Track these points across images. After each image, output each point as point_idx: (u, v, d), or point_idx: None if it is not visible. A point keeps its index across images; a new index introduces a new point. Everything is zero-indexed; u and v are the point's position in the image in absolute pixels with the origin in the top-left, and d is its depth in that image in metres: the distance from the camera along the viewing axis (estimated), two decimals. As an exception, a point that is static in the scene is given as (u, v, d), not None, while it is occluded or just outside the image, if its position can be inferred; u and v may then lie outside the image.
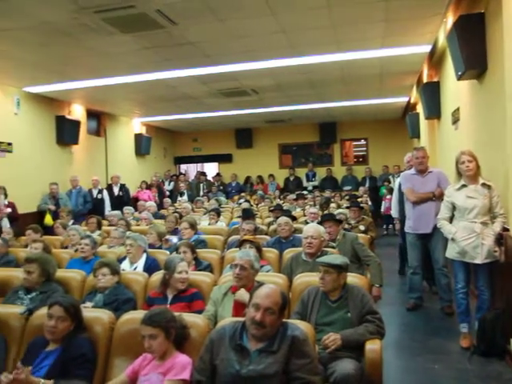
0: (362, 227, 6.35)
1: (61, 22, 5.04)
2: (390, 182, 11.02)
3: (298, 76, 7.88)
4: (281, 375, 2.15)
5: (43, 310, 2.82)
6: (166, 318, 2.43)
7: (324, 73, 7.72)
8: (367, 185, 12.53)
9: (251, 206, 8.97)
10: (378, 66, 7.43)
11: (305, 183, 13.72)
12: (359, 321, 2.84)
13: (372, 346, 2.71)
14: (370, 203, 10.10)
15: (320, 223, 4.70)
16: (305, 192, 11.42)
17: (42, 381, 2.32)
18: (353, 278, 3.22)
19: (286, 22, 5.28)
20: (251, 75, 7.67)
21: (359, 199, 9.16)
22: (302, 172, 14.05)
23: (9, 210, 7.19)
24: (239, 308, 3.07)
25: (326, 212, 6.59)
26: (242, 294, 3.10)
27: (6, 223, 7.01)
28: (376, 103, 10.77)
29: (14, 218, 7.26)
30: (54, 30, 5.22)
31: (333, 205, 7.81)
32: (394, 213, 6.46)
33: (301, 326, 2.39)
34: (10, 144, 7.86)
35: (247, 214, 6.07)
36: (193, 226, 5.40)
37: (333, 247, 4.49)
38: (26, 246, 5.62)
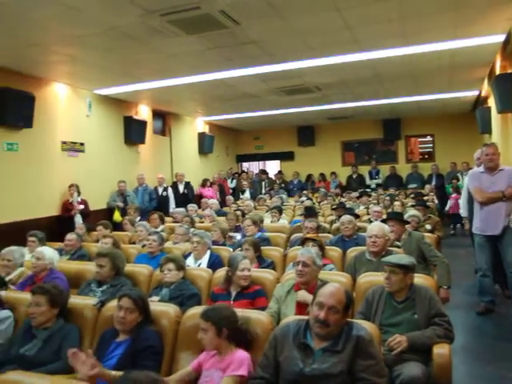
0: (428, 226, 6.13)
1: (128, 27, 5.22)
2: (458, 180, 10.58)
3: (363, 72, 7.73)
4: (345, 375, 2.12)
5: (114, 302, 2.95)
6: (220, 315, 2.46)
7: (390, 68, 7.52)
8: (433, 183, 12.08)
9: (313, 203, 8.91)
10: (447, 59, 7.13)
11: (368, 181, 13.45)
12: (426, 323, 2.74)
13: (440, 351, 2.61)
14: (436, 202, 9.74)
15: (384, 221, 4.60)
16: (368, 190, 11.21)
17: (113, 372, 2.40)
18: (419, 279, 3.12)
19: (350, 16, 5.18)
20: (314, 72, 7.60)
21: (425, 197, 8.86)
22: (364, 169, 13.78)
23: (81, 206, 7.57)
24: (302, 306, 3.07)
25: (389, 210, 6.44)
26: (304, 295, 3.09)
27: (79, 219, 7.39)
28: (444, 98, 10.33)
29: (86, 214, 7.64)
30: (122, 34, 5.42)
31: (397, 203, 7.60)
32: (463, 212, 6.20)
33: (366, 326, 2.35)
34: (82, 144, 8.27)
35: (310, 212, 6.05)
36: (256, 223, 5.44)
37: (398, 247, 4.37)
38: (96, 241, 5.90)
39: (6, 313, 3.14)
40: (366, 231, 4.18)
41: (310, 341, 2.27)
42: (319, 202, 10.05)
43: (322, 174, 14.04)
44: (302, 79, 8.19)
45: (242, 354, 2.43)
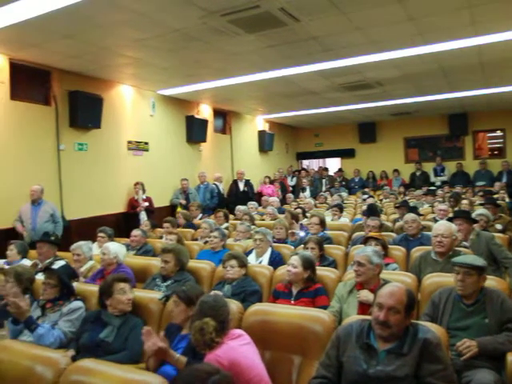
0: (498, 226, 5.83)
1: (190, 28, 5.32)
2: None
3: (427, 65, 7.46)
4: (411, 379, 2.06)
5: (177, 297, 3.02)
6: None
7: (457, 60, 7.19)
8: (504, 180, 11.46)
9: (375, 201, 8.73)
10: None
11: (432, 178, 12.97)
12: (498, 329, 2.61)
13: (515, 358, 2.47)
14: (507, 200, 9.25)
15: (450, 220, 4.43)
16: (432, 188, 10.83)
17: (177, 355, 2.49)
18: (491, 282, 2.98)
19: (413, 8, 5.00)
20: (376, 67, 7.43)
21: (495, 195, 8.45)
22: (429, 166, 13.28)
23: (146, 204, 7.83)
24: (364, 306, 3.02)
25: (456, 209, 6.20)
26: (366, 295, 3.04)
27: (143, 216, 7.64)
28: (516, 90, 9.79)
29: (150, 211, 7.89)
30: (183, 35, 5.54)
31: (464, 201, 7.29)
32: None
33: (433, 329, 2.26)
34: (146, 143, 8.55)
35: (372, 211, 5.92)
36: (323, 222, 5.40)
37: (465, 247, 4.20)
38: (160, 238, 6.08)
39: (79, 303, 3.30)
40: (430, 230, 4.05)
41: (373, 341, 2.22)
42: (381, 200, 9.83)
43: (384, 172, 13.71)
44: (363, 75, 8.03)
45: None
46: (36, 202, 6.04)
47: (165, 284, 3.86)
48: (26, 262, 4.61)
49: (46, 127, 6.64)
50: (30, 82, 6.56)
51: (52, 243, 4.80)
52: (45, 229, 5.71)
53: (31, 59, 6.32)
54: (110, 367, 2.17)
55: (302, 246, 4.48)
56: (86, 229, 6.31)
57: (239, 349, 2.34)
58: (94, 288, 3.43)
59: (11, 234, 5.76)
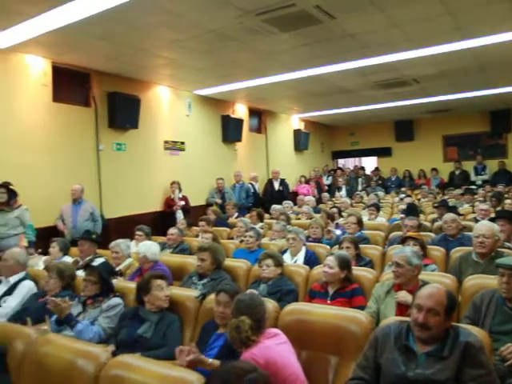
0: (543, 226, 5.62)
1: (225, 28, 5.36)
2: None
3: (466, 61, 7.26)
4: (451, 383, 2.01)
5: (214, 296, 3.05)
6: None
7: (499, 55, 6.95)
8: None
9: (413, 201, 8.57)
10: None
11: (473, 177, 12.62)
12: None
13: None
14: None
15: (492, 220, 4.30)
16: (473, 187, 10.54)
17: (210, 360, 2.49)
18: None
19: (452, 1, 4.88)
20: (413, 64, 7.29)
21: (540, 195, 8.16)
22: (469, 165, 12.92)
23: (182, 202, 7.93)
24: (403, 307, 2.97)
25: (498, 209, 6.02)
26: (404, 296, 2.98)
27: (180, 215, 7.75)
28: None
29: (186, 210, 7.98)
30: (219, 36, 5.58)
31: (508, 201, 7.07)
32: None
33: (474, 332, 2.19)
34: (183, 143, 8.66)
35: (411, 210, 5.82)
36: (360, 222, 5.36)
37: (509, 248, 4.07)
38: (196, 236, 6.15)
39: (118, 300, 3.37)
40: (471, 230, 3.95)
41: (412, 344, 2.17)
42: (419, 200, 9.65)
43: (421, 171, 13.42)
44: (400, 72, 7.90)
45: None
46: (76, 201, 6.21)
47: (201, 282, 3.90)
48: (68, 259, 4.74)
49: (85, 128, 6.82)
50: (70, 84, 6.75)
51: (92, 241, 4.92)
52: (85, 227, 5.86)
53: (72, 62, 6.51)
54: (148, 363, 2.21)
55: (337, 246, 4.45)
56: (124, 227, 6.43)
57: (275, 348, 2.34)
58: (132, 285, 3.49)
59: (53, 232, 5.94)
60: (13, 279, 3.92)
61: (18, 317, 3.46)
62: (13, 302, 3.73)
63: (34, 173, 6.04)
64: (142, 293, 3.17)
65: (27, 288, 3.88)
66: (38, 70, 6.17)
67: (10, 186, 5.45)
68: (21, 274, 3.99)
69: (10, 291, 3.82)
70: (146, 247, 4.26)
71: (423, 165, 13.43)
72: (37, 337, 2.62)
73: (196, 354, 2.40)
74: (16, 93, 5.93)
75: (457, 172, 12.83)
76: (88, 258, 4.70)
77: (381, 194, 10.56)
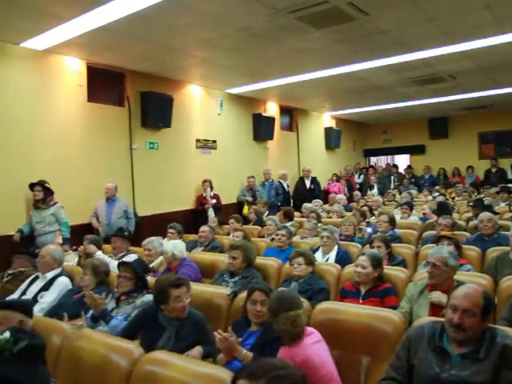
0: None
1: (257, 26, 5.36)
2: None
3: (503, 56, 7.05)
4: (488, 386, 1.96)
5: (245, 294, 3.05)
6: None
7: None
8: None
9: (447, 199, 8.40)
10: None
11: (510, 175, 12.26)
12: None
13: None
14: None
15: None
16: (510, 185, 10.23)
17: (245, 351, 2.51)
18: None
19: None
20: (448, 59, 7.12)
21: None
22: (505, 163, 12.56)
23: (214, 201, 7.99)
24: (436, 307, 2.92)
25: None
26: (438, 296, 2.93)
27: (211, 213, 7.80)
28: None
29: (218, 208, 8.03)
30: (251, 34, 5.59)
31: (546, 200, 6.85)
32: None
33: (512, 335, 2.14)
34: (214, 142, 8.72)
35: (443, 209, 5.71)
36: (392, 220, 5.29)
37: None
38: (228, 234, 6.18)
39: (151, 296, 3.38)
40: (508, 230, 3.85)
41: (446, 345, 2.13)
42: (453, 198, 9.44)
43: (456, 169, 13.13)
44: (434, 68, 7.73)
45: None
46: (110, 198, 6.34)
47: (232, 280, 3.92)
48: (101, 256, 4.83)
49: (119, 127, 6.95)
50: (105, 84, 6.89)
51: (125, 238, 5.02)
52: (118, 224, 5.98)
53: (106, 62, 6.63)
54: (181, 360, 2.24)
55: (369, 244, 4.40)
56: (157, 225, 6.52)
57: (312, 346, 2.33)
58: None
59: (88, 229, 6.08)
60: (49, 275, 4.02)
61: (54, 312, 3.55)
62: (49, 298, 3.82)
63: (69, 171, 6.20)
64: (158, 301, 2.92)
65: (63, 284, 3.98)
66: (73, 71, 6.32)
67: (46, 184, 5.62)
68: (57, 270, 4.09)
69: (46, 287, 3.92)
70: (173, 245, 4.30)
71: (458, 162, 13.13)
72: (73, 331, 2.69)
73: (234, 339, 2.45)
74: (53, 93, 6.09)
75: (493, 170, 12.49)
76: (120, 255, 4.81)
77: (414, 192, 10.38)
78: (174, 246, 4.30)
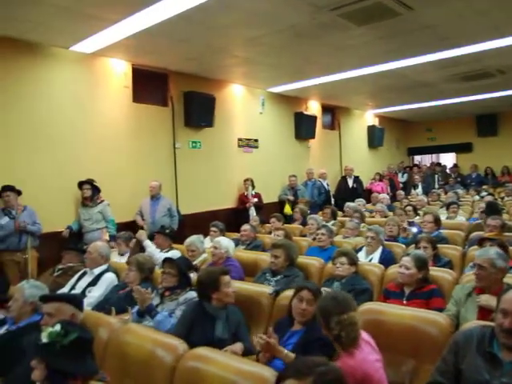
0: None
1: (300, 25, 5.33)
2: None
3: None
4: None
5: (287, 293, 3.05)
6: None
7: None
8: None
9: (495, 199, 8.12)
10: None
11: None
12: None
13: None
14: None
15: None
16: None
17: (286, 351, 2.48)
18: None
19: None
20: (497, 54, 6.87)
21: None
22: (559, 162, 12.05)
23: (255, 199, 8.01)
24: (485, 311, 2.81)
25: None
26: (487, 300, 2.82)
27: (253, 212, 7.83)
28: None
29: (259, 207, 8.05)
30: (294, 32, 5.57)
31: None
32: None
33: None
34: (256, 140, 8.75)
35: (492, 209, 5.52)
36: (437, 220, 5.17)
37: None
38: (269, 233, 6.18)
39: (194, 293, 3.43)
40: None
41: (497, 351, 2.04)
42: (502, 198, 9.12)
43: (506, 167, 12.64)
44: (482, 63, 7.48)
45: None
46: (155, 197, 6.46)
47: (274, 279, 3.92)
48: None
49: (163, 127, 7.08)
50: (149, 85, 7.03)
51: (167, 235, 5.16)
52: (162, 222, 6.11)
53: (150, 64, 6.77)
54: (225, 357, 2.26)
55: (414, 245, 4.31)
56: (199, 223, 6.60)
57: (371, 360, 2.23)
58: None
59: (133, 227, 6.21)
60: (97, 271, 4.15)
61: (101, 307, 3.65)
62: (97, 293, 3.95)
63: (115, 170, 6.37)
64: (209, 290, 3.03)
65: (110, 279, 4.09)
66: (119, 73, 6.49)
67: (94, 183, 5.80)
68: (104, 266, 4.22)
69: (94, 282, 4.05)
70: (227, 243, 4.38)
71: (508, 161, 12.65)
72: (120, 326, 2.77)
73: (275, 340, 2.41)
74: (100, 94, 6.27)
75: (546, 169, 11.97)
76: (164, 251, 4.92)
77: (459, 191, 10.09)
78: (230, 244, 4.42)
